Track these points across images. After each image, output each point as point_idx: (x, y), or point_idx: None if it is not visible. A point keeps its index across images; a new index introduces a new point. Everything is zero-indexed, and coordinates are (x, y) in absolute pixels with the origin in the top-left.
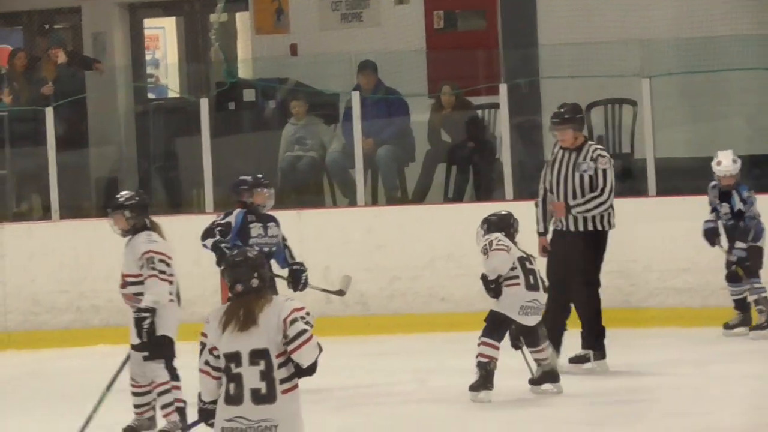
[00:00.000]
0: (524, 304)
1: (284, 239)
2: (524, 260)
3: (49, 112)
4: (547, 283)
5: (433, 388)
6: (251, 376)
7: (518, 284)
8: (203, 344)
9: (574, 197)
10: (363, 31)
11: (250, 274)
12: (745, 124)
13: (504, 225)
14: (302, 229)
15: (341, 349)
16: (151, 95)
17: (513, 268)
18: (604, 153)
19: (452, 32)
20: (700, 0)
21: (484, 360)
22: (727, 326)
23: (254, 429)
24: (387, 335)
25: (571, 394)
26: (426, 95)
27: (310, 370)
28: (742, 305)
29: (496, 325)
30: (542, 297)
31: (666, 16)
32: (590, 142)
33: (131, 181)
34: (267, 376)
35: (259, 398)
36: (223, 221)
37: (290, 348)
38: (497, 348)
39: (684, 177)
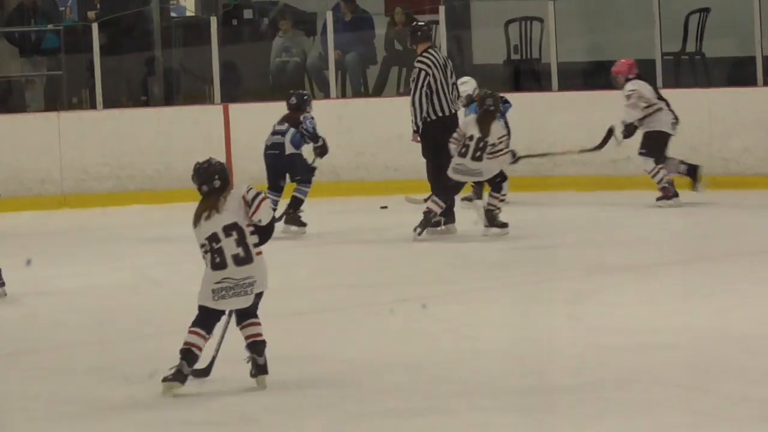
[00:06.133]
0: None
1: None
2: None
3: (95, 27)
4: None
5: (388, 237)
6: (229, 246)
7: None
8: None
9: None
10: None
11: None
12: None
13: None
14: None
15: (315, 208)
16: (173, 14)
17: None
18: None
19: None
20: None
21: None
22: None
23: (240, 286)
24: (353, 197)
25: None
26: (383, 14)
27: (269, 229)
28: None
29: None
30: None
31: None
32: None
33: (159, 79)
34: (242, 242)
35: (239, 261)
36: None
37: (251, 211)
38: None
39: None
